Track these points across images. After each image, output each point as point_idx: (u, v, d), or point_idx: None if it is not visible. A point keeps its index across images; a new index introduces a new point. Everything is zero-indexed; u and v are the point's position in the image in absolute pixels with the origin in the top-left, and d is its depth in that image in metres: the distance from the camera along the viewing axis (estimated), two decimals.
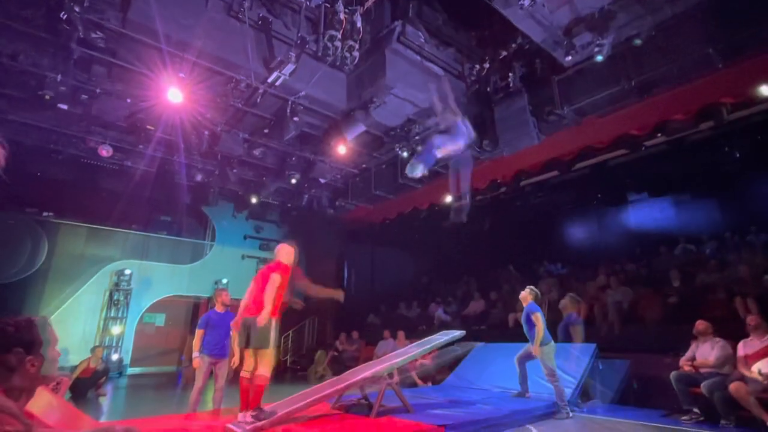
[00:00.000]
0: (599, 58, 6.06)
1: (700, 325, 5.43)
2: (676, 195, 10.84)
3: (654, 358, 6.27)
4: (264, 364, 4.18)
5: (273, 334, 4.18)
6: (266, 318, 4.10)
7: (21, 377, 1.32)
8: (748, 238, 8.37)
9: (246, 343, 4.20)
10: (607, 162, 8.72)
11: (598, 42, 5.84)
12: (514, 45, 6.89)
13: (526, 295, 5.88)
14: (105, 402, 7.47)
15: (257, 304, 4.22)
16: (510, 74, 7.25)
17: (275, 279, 4.21)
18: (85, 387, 7.49)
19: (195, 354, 5.22)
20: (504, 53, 7.13)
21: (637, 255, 9.77)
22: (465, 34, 7.36)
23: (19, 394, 1.35)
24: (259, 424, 3.91)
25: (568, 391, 5.63)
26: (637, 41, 5.99)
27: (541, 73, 7.16)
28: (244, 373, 4.29)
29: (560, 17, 5.82)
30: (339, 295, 4.41)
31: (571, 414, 5.28)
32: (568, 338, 5.42)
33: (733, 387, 4.64)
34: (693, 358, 5.38)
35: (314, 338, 13.59)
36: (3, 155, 1.28)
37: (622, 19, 5.82)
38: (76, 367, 7.81)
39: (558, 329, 5.82)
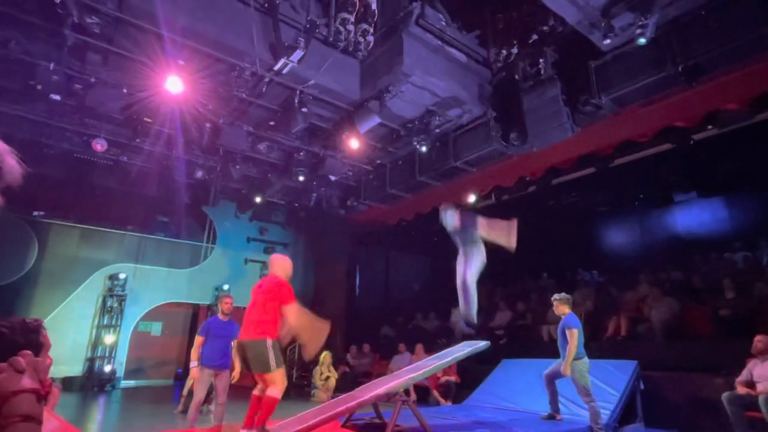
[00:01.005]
0: (642, 40, 5.95)
1: (760, 342, 5.28)
2: (729, 194, 10.59)
3: (703, 377, 6.14)
4: (275, 386, 4.06)
5: (274, 356, 4.01)
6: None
7: (32, 379, 1.38)
8: None
9: (248, 368, 4.16)
10: (650, 157, 8.55)
11: (640, 23, 5.74)
12: (545, 27, 6.83)
13: (562, 305, 5.79)
14: (98, 416, 7.60)
15: (254, 325, 4.09)
16: (541, 60, 7.17)
17: (293, 309, 4.06)
18: None
19: (193, 363, 5.27)
20: (534, 37, 7.06)
21: (684, 262, 9.57)
22: (491, 15, 7.32)
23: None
24: None
25: (604, 413, 5.54)
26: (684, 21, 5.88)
27: (576, 58, 7.07)
28: (256, 391, 4.27)
29: None
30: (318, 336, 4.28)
31: None
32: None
33: None
34: (750, 379, 5.25)
35: (322, 351, 13.63)
36: (20, 173, 1.40)
37: None
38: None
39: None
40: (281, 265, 4.42)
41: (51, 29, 6.23)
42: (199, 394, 5.17)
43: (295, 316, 4.05)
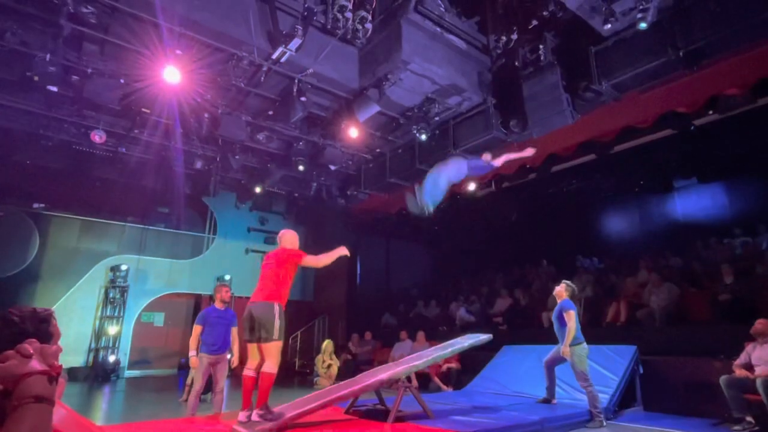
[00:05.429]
0: (642, 25, 5.90)
1: (760, 324, 5.33)
2: (729, 180, 10.61)
3: (702, 361, 6.21)
4: (271, 359, 4.16)
5: (279, 324, 4.15)
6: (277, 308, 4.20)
7: (40, 364, 1.41)
8: None
9: (250, 335, 4.21)
10: (650, 143, 8.53)
11: (641, 7, 5.70)
12: (545, 13, 6.78)
13: (562, 290, 5.89)
14: (103, 405, 7.70)
15: (264, 290, 4.27)
16: (541, 46, 7.13)
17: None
18: None
19: (192, 353, 5.32)
20: (534, 22, 7.01)
21: (684, 248, 9.61)
22: (490, 1, 7.26)
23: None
24: (267, 425, 3.99)
25: (603, 398, 5.61)
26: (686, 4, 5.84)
27: (577, 44, 7.02)
28: (248, 371, 4.33)
29: None
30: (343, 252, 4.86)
31: (605, 423, 5.27)
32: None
33: None
34: (748, 362, 5.30)
35: (325, 339, 13.76)
36: None
37: None
38: None
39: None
40: (290, 239, 4.69)
41: (46, 19, 6.18)
42: (199, 383, 5.21)
43: (315, 261, 4.60)
